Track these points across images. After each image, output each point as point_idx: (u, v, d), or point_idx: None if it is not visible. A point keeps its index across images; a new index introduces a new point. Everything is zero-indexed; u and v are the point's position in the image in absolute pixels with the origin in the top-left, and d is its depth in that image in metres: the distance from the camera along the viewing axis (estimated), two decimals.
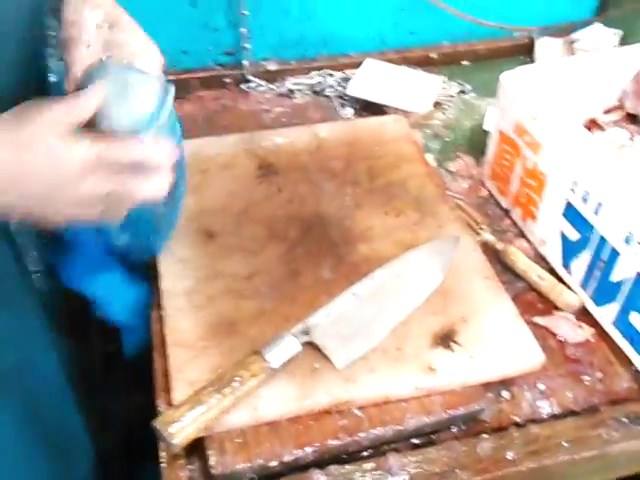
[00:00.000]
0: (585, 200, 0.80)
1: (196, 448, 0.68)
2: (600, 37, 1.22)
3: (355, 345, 0.74)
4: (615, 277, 0.79)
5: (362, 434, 0.69)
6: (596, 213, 0.79)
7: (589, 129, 0.93)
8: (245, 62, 1.19)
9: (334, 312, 0.76)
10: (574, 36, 1.24)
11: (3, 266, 0.73)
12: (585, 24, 1.26)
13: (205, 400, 0.65)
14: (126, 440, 1.06)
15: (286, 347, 0.71)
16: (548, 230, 0.89)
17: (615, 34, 1.24)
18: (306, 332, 0.74)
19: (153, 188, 0.60)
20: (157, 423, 0.64)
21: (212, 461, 0.66)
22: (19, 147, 0.53)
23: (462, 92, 1.22)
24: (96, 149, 0.55)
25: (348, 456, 0.70)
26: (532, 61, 1.26)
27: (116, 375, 1.01)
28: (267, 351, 0.70)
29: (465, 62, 1.29)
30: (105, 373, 1.04)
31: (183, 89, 1.18)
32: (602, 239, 0.79)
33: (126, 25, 0.65)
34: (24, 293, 0.78)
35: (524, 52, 1.29)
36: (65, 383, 0.86)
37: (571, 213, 0.84)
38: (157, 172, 0.59)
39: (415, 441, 0.73)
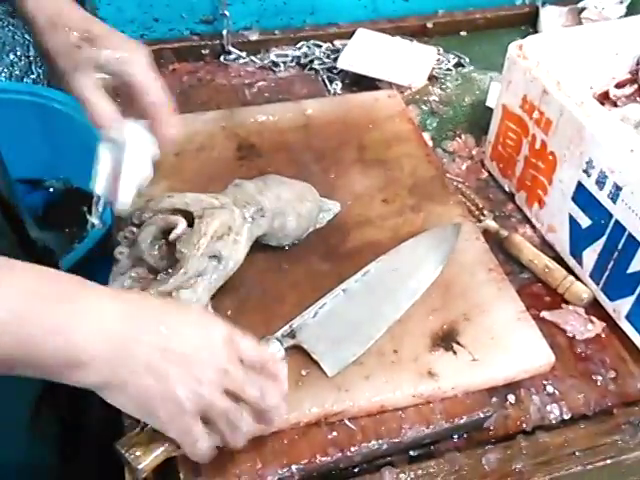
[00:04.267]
0: (600, 183, 0.74)
1: (167, 469, 0.61)
2: (608, 5, 1.14)
3: (347, 348, 0.67)
4: (633, 268, 0.72)
5: (354, 448, 0.64)
6: (612, 198, 0.73)
7: (602, 104, 0.86)
8: (224, 31, 1.13)
9: (323, 311, 0.70)
10: (580, 4, 1.18)
11: None
12: None
13: None
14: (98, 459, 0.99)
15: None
16: (556, 216, 0.83)
17: (622, 2, 1.18)
18: (292, 335, 0.67)
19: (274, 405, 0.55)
20: (120, 445, 0.56)
21: None
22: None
23: (460, 65, 1.16)
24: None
25: (339, 473, 0.65)
26: (535, 31, 1.21)
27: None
28: None
29: (463, 33, 1.23)
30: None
31: (155, 61, 1.10)
32: (618, 226, 0.73)
33: (104, 36, 0.65)
34: None
35: (526, 22, 1.24)
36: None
37: (583, 197, 0.77)
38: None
39: (413, 453, 0.68)
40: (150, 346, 0.47)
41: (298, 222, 0.76)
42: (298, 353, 0.67)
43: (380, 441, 0.64)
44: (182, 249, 0.66)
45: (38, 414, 0.85)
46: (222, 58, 1.13)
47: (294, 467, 0.61)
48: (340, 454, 0.63)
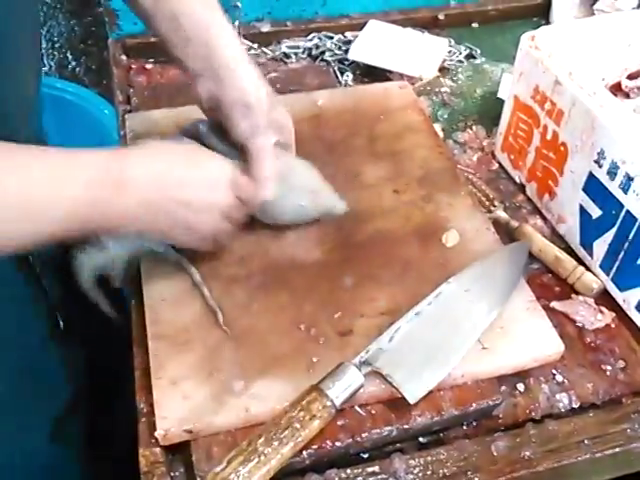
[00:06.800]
0: (612, 174, 0.73)
1: (180, 452, 0.62)
2: None
3: (427, 373, 0.65)
4: None
5: (364, 434, 0.64)
6: (624, 188, 0.73)
7: (614, 96, 0.85)
8: (235, 23, 1.11)
9: (398, 336, 0.67)
10: None
11: None
12: None
13: (261, 450, 0.56)
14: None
15: (348, 380, 0.62)
16: (567, 207, 0.82)
17: None
18: (369, 362, 0.65)
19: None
20: None
21: (198, 467, 0.60)
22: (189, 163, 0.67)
23: (471, 56, 1.15)
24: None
25: (349, 459, 0.65)
26: (547, 23, 1.20)
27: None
28: (328, 386, 0.61)
29: (474, 24, 1.23)
30: None
31: (165, 53, 1.09)
32: (629, 217, 0.73)
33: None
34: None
35: (538, 14, 1.23)
36: None
37: (594, 188, 0.77)
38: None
39: (422, 440, 0.68)
40: (173, 201, 0.64)
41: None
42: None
43: (390, 427, 0.64)
44: None
45: (61, 429, 0.88)
46: None
47: (305, 452, 0.61)
48: (350, 440, 0.63)
